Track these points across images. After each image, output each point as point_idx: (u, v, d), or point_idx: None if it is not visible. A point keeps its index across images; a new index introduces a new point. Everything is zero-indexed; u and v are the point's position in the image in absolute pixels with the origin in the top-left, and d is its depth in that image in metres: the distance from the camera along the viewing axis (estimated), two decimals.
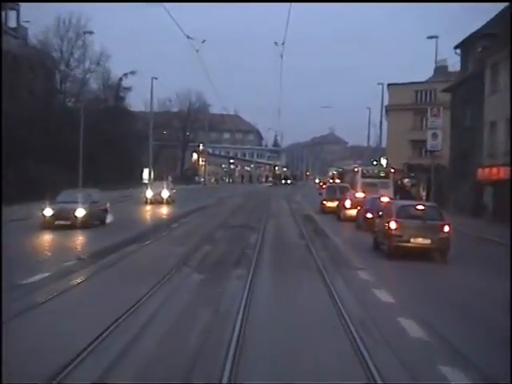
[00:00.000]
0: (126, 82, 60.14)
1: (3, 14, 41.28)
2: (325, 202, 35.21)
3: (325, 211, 33.94)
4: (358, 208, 26.58)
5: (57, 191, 23.85)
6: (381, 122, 53.83)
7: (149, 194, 39.13)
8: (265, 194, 61.50)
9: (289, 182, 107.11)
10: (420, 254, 16.34)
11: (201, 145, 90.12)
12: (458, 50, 40.33)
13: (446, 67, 50.83)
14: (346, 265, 14.81)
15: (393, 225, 16.49)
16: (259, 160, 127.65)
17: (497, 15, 34.55)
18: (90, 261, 14.40)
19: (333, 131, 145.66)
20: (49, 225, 21.36)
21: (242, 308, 9.31)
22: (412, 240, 16.19)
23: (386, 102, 54.39)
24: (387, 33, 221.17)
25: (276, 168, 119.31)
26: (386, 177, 37.21)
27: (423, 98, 55.04)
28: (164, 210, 34.25)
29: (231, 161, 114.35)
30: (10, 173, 31.48)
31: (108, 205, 25.08)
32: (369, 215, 23.27)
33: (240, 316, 8.76)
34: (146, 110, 65.40)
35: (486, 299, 11.67)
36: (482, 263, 16.72)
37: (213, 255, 16.12)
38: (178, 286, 11.58)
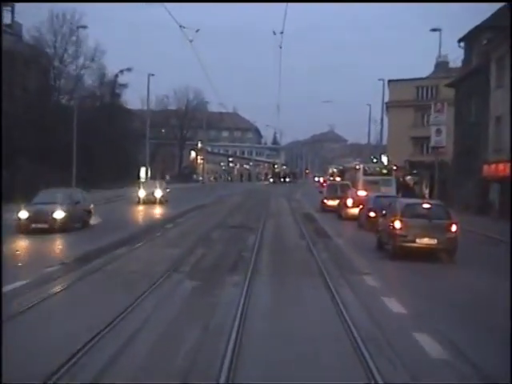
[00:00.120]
0: (122, 79, 59.08)
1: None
2: (325, 201, 34.75)
3: (325, 210, 33.40)
4: (360, 206, 25.89)
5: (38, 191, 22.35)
6: (382, 119, 53.07)
7: (141, 193, 37.82)
8: (264, 193, 60.68)
9: (288, 180, 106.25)
10: (426, 254, 15.57)
11: (199, 143, 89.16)
12: (462, 44, 39.41)
13: (446, 63, 50.22)
14: (350, 268, 13.89)
15: (397, 224, 15.79)
16: (258, 158, 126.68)
17: (501, 8, 33.62)
18: (66, 269, 12.94)
19: (332, 129, 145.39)
20: (24, 228, 19.64)
21: (236, 323, 8.19)
22: (418, 240, 15.54)
23: (386, 99, 53.62)
24: (388, 29, 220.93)
25: (275, 166, 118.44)
26: (389, 174, 36.35)
27: (424, 94, 54.26)
28: (157, 211, 33.03)
29: (230, 159, 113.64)
30: (4, 172, 30.49)
31: (92, 206, 23.67)
32: (372, 214, 22.54)
33: (234, 335, 7.59)
34: (143, 107, 64.55)
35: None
36: (491, 264, 15.74)
37: (208, 258, 15.15)
38: (167, 295, 10.53)
